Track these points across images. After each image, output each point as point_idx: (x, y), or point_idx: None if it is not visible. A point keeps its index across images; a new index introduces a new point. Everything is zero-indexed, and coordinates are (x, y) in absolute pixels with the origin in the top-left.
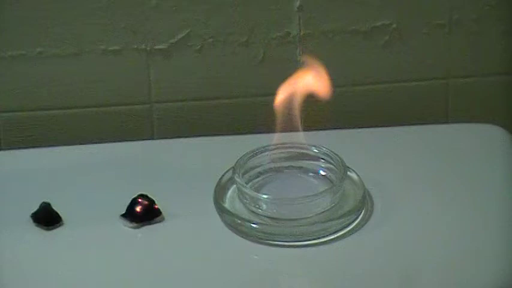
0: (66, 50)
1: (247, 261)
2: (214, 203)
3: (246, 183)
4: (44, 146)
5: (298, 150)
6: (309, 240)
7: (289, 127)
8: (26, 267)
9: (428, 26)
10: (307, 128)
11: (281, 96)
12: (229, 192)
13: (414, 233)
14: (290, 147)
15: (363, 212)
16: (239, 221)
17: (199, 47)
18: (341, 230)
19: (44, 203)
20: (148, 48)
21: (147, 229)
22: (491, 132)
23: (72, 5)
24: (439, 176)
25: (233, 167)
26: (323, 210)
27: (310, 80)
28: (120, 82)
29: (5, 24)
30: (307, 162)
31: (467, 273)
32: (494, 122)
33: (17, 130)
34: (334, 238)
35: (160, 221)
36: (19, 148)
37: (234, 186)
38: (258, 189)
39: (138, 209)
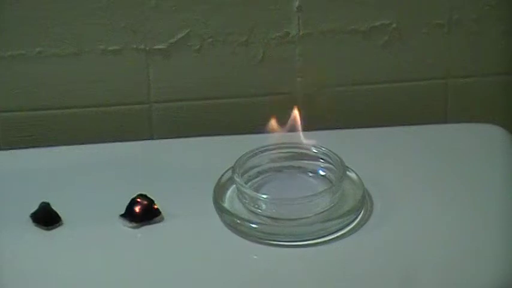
0: (65, 49)
1: (246, 261)
2: (214, 203)
3: (246, 183)
4: (44, 146)
5: (297, 150)
6: (309, 240)
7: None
8: (25, 267)
9: (428, 26)
10: (306, 128)
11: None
12: (229, 192)
13: (414, 233)
14: (290, 147)
15: (362, 212)
16: (238, 221)
17: (198, 46)
18: (340, 230)
19: (43, 202)
20: (147, 48)
21: (147, 229)
22: (490, 132)
23: (72, 5)
24: (439, 176)
25: (232, 166)
26: (322, 210)
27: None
28: (119, 82)
29: (5, 24)
30: (307, 162)
31: (467, 273)
32: (494, 122)
33: (16, 130)
34: (333, 238)
35: (159, 221)
36: (18, 148)
37: (234, 186)
38: (257, 189)
39: (137, 209)
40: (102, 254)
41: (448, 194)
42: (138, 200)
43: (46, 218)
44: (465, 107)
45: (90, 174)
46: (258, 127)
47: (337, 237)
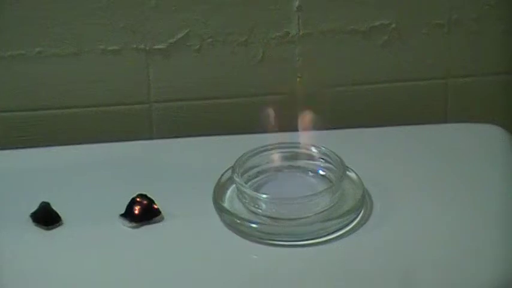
0: (65, 49)
1: (246, 261)
2: (214, 203)
3: (246, 182)
4: (44, 146)
5: (297, 150)
6: (308, 239)
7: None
8: (25, 267)
9: (428, 26)
10: (306, 128)
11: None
12: (229, 192)
13: (413, 233)
14: (289, 147)
15: (362, 212)
16: (238, 221)
17: (198, 46)
18: (340, 229)
19: (43, 202)
20: (147, 48)
21: (147, 229)
22: (490, 132)
23: (72, 5)
24: (438, 176)
25: (232, 166)
26: (322, 209)
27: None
28: (119, 82)
29: (5, 24)
30: (307, 162)
31: (467, 273)
32: (494, 122)
33: (16, 130)
34: (333, 238)
35: (159, 221)
36: (18, 148)
37: (234, 185)
38: (257, 189)
39: (137, 208)
40: (102, 254)
41: (448, 194)
42: (138, 199)
43: (46, 218)
44: (465, 107)
45: (90, 174)
46: (258, 127)
47: (337, 237)
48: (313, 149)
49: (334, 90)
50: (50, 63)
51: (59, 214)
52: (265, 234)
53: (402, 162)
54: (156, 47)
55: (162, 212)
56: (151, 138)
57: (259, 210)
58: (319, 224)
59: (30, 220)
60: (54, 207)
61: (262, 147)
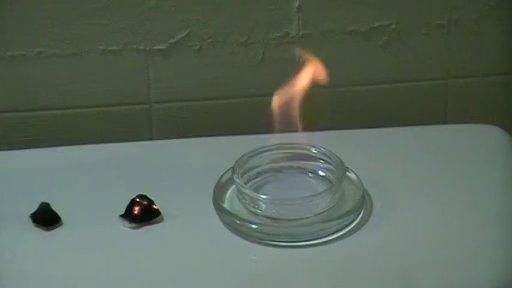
0: (65, 50)
1: (246, 262)
2: (214, 203)
3: (245, 183)
4: (43, 146)
5: (297, 151)
6: (308, 240)
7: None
8: (25, 268)
9: (428, 26)
10: (306, 128)
11: (280, 97)
12: (229, 193)
13: (413, 233)
14: (289, 148)
15: (362, 212)
16: (238, 221)
17: (198, 47)
18: (340, 230)
19: (43, 203)
20: (147, 49)
21: (146, 229)
22: (490, 133)
23: (72, 5)
24: (438, 176)
25: (232, 167)
26: (322, 210)
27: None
28: (119, 82)
29: (5, 24)
30: (307, 162)
31: (467, 273)
32: (494, 123)
33: (16, 130)
34: (333, 238)
35: (159, 222)
36: (18, 148)
37: (233, 186)
38: (257, 190)
39: (137, 209)
40: (101, 254)
41: (448, 194)
42: (138, 200)
43: (46, 218)
44: (465, 108)
45: (90, 175)
46: (258, 127)
47: (337, 237)
48: (313, 150)
49: (334, 90)
50: (50, 64)
51: (59, 214)
52: (265, 235)
53: (402, 163)
54: (156, 47)
55: (162, 213)
56: (151, 138)
57: (259, 211)
58: (319, 225)
59: (30, 220)
60: (53, 208)
61: (262, 147)
